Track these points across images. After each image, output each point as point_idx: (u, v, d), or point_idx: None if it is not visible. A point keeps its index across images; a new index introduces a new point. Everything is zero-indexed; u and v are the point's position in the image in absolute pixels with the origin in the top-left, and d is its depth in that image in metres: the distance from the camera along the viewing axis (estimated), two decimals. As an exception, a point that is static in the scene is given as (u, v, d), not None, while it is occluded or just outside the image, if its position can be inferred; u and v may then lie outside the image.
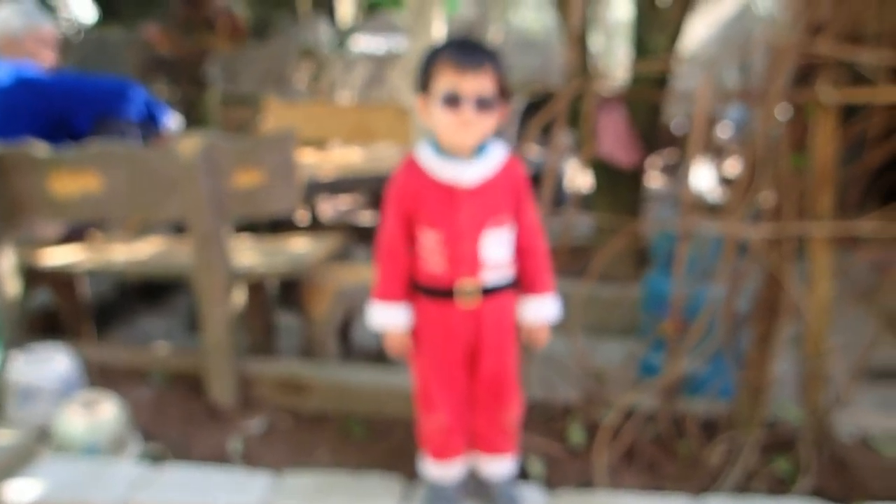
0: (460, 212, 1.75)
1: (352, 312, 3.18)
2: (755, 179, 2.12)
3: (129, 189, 2.59)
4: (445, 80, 1.68)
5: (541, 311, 1.87)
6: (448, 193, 1.75)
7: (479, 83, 1.66)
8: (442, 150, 1.77)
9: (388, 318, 1.84)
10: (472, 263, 1.77)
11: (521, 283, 1.87)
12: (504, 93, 1.74)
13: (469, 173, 1.75)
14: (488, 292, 1.81)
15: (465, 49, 1.70)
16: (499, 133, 1.85)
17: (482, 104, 1.68)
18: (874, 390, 2.86)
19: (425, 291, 1.83)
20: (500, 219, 1.79)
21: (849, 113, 2.21)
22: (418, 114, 1.79)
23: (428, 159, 1.77)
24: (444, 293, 1.80)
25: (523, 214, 1.84)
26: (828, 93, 2.05)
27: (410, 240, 1.81)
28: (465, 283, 1.78)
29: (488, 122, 1.71)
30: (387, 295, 1.83)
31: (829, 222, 2.13)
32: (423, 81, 1.74)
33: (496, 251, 1.79)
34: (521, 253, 1.85)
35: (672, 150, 8.42)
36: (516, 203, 1.82)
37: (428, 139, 1.80)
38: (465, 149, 1.75)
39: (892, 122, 2.20)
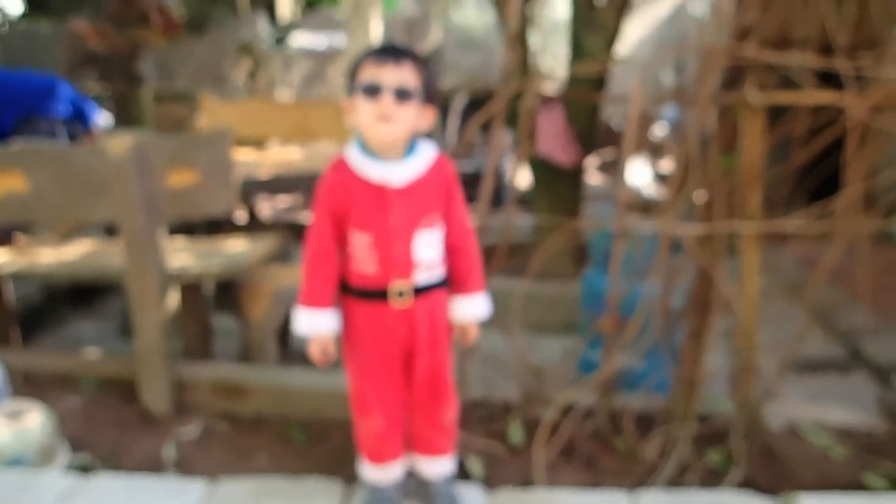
0: (391, 213, 1.74)
1: (291, 314, 3.14)
2: (688, 179, 2.16)
3: (56, 190, 2.50)
4: (366, 73, 1.69)
5: (472, 309, 1.87)
6: (378, 194, 1.74)
7: (398, 74, 1.68)
8: (370, 151, 1.76)
9: (314, 325, 1.81)
10: (404, 264, 1.76)
11: (452, 282, 1.87)
12: (431, 95, 1.75)
13: (398, 173, 1.75)
14: (420, 292, 1.80)
15: (388, 47, 1.74)
16: (430, 135, 1.85)
17: (402, 95, 1.68)
18: (803, 382, 2.95)
19: (357, 293, 1.81)
20: (431, 219, 1.79)
21: (778, 114, 2.27)
22: (346, 116, 1.78)
23: (357, 160, 1.76)
24: (376, 294, 1.78)
25: (453, 213, 1.84)
26: (755, 95, 2.11)
27: (340, 242, 1.79)
28: (398, 285, 1.77)
29: (409, 115, 1.70)
30: (313, 301, 1.81)
31: (758, 221, 2.19)
32: (350, 84, 1.75)
33: (428, 251, 1.79)
34: (452, 252, 1.85)
35: (612, 148, 8.55)
36: (446, 202, 1.82)
37: (357, 140, 1.79)
38: (388, 146, 1.74)
39: (818, 123, 2.27)
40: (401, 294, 1.77)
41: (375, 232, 1.74)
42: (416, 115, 1.73)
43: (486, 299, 1.89)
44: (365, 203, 1.74)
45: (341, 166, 1.77)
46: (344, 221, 1.77)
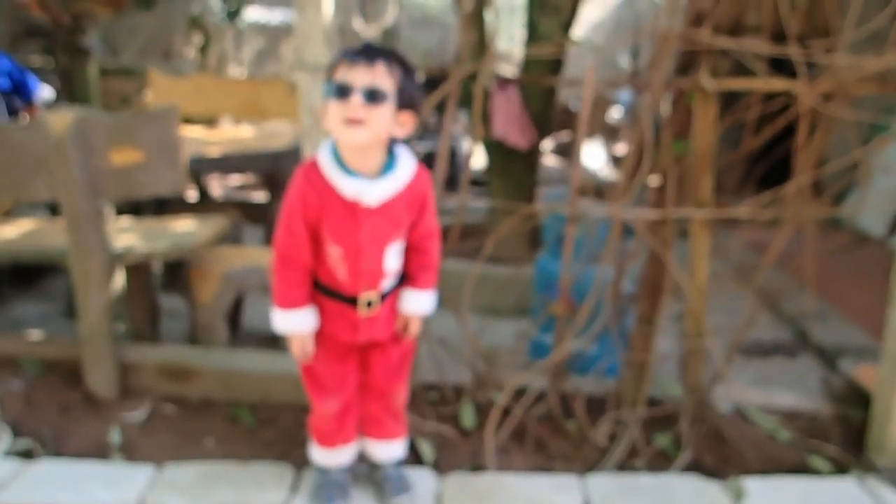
0: (362, 230, 1.69)
1: (241, 296, 3.09)
2: (641, 164, 2.17)
3: (-8, 167, 2.40)
4: (337, 75, 1.60)
5: (418, 304, 1.85)
6: (350, 211, 1.67)
7: (370, 75, 1.58)
8: (344, 163, 1.67)
9: (292, 324, 1.77)
10: (374, 276, 1.75)
11: (406, 275, 1.85)
12: (409, 100, 1.65)
13: (373, 191, 1.66)
14: (385, 296, 1.81)
15: (362, 47, 1.63)
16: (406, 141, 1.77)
17: (372, 96, 1.58)
18: (751, 366, 3.01)
19: (326, 292, 1.79)
20: (400, 233, 1.76)
21: (730, 100, 2.29)
22: (323, 122, 1.66)
23: (330, 171, 1.66)
24: (345, 299, 1.77)
25: (423, 221, 1.79)
26: (709, 81, 2.11)
27: (314, 246, 1.74)
28: (367, 295, 1.76)
29: (380, 119, 1.60)
30: (288, 303, 1.75)
31: (709, 208, 2.20)
32: (325, 87, 1.64)
33: (395, 261, 1.79)
34: (413, 250, 1.82)
35: (569, 131, 8.58)
36: (419, 213, 1.77)
37: (331, 145, 1.70)
38: (360, 152, 1.66)
39: (770, 110, 2.30)
40: (369, 304, 1.77)
41: (346, 246, 1.71)
42: (390, 120, 1.62)
43: (434, 298, 1.87)
44: (337, 217, 1.68)
45: (313, 173, 1.67)
46: (317, 229, 1.71)
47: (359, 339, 1.82)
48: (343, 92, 1.58)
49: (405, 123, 1.67)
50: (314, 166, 1.69)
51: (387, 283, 1.79)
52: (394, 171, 1.69)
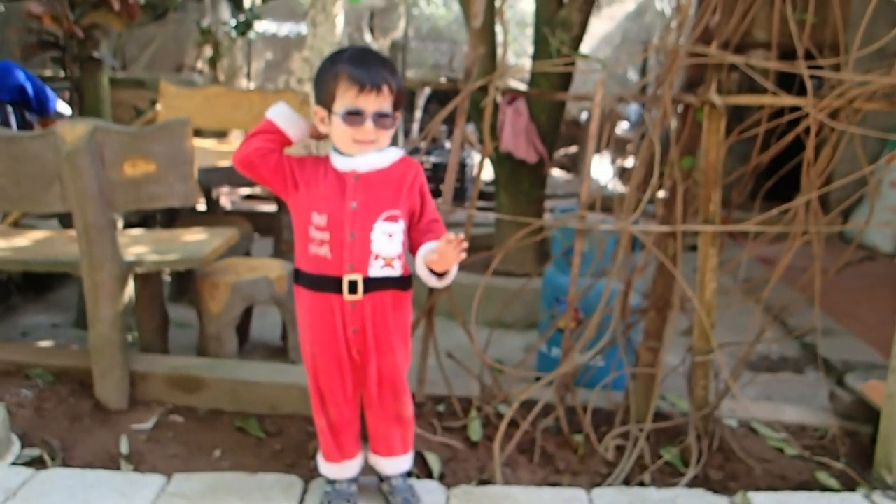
0: (346, 198, 1.76)
1: (249, 306, 3.11)
2: (649, 178, 2.18)
3: (4, 179, 2.41)
4: (348, 99, 1.71)
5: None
6: (339, 179, 1.78)
7: (379, 101, 1.72)
8: (340, 150, 1.81)
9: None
10: (361, 254, 1.76)
11: (425, 242, 1.83)
12: (399, 103, 1.81)
13: (362, 162, 1.78)
14: (374, 286, 1.78)
15: (366, 66, 1.72)
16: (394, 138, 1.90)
17: (381, 119, 1.74)
18: (758, 381, 3.00)
19: (309, 281, 1.80)
20: (392, 213, 1.78)
21: (736, 115, 2.30)
22: (316, 122, 1.81)
23: (330, 151, 1.82)
24: (329, 282, 1.77)
25: (426, 208, 1.86)
26: (716, 97, 2.12)
27: (300, 220, 1.80)
28: (352, 276, 1.76)
29: (387, 136, 1.78)
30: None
31: (717, 223, 2.21)
32: (323, 94, 1.76)
33: (387, 244, 1.79)
34: (426, 231, 1.84)
35: (578, 143, 8.61)
36: (418, 199, 1.84)
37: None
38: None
39: (777, 124, 2.30)
40: (353, 285, 1.76)
41: (331, 213, 1.75)
42: (392, 131, 1.80)
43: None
44: (326, 183, 1.77)
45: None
46: (301, 197, 1.79)
47: (348, 329, 1.79)
48: (356, 116, 1.72)
49: (397, 118, 1.83)
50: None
51: (374, 268, 1.77)
52: (381, 151, 1.81)
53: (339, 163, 1.79)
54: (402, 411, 1.93)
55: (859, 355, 3.17)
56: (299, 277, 1.83)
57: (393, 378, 1.87)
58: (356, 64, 1.72)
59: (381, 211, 1.77)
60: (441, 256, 1.72)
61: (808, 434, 2.43)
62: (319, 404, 1.88)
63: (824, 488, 2.15)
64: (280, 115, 1.82)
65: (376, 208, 1.77)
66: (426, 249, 1.80)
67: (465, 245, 1.71)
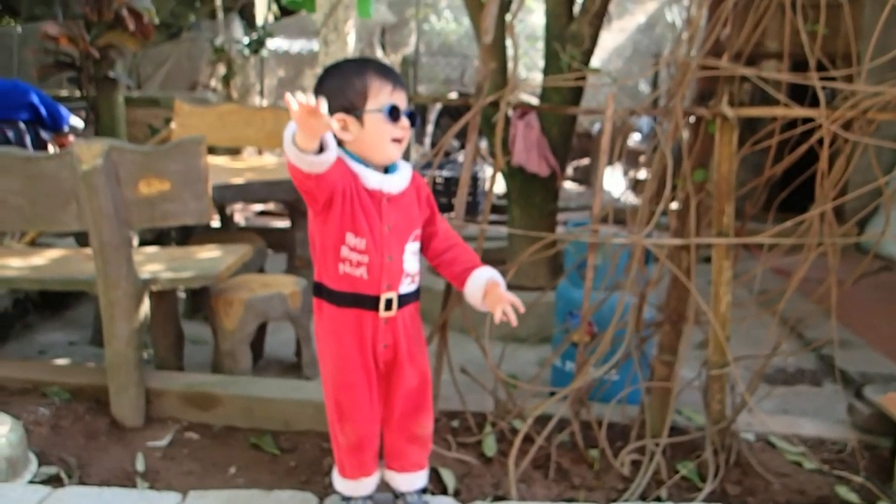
0: (385, 219, 1.76)
1: (264, 323, 3.11)
2: (662, 191, 2.17)
3: (21, 198, 2.43)
4: (384, 96, 1.72)
5: (491, 274, 1.84)
6: (375, 200, 1.75)
7: (405, 97, 1.77)
8: (360, 159, 1.76)
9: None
10: (396, 274, 1.78)
11: (461, 268, 1.86)
12: None
13: (392, 181, 1.78)
14: (402, 301, 1.81)
15: (387, 68, 1.79)
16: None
17: (411, 117, 1.77)
18: (774, 394, 2.98)
19: (342, 300, 1.78)
20: (417, 233, 1.84)
21: (752, 126, 2.29)
22: (338, 133, 1.70)
23: (354, 165, 1.73)
24: (364, 302, 1.77)
25: (438, 220, 1.90)
26: (728, 109, 2.12)
27: (334, 239, 1.73)
28: (388, 295, 1.77)
29: (409, 134, 1.79)
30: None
31: (731, 235, 2.20)
32: (350, 98, 1.71)
33: (413, 262, 1.83)
34: (448, 249, 1.89)
35: (590, 155, 8.60)
36: (430, 214, 1.89)
37: (346, 152, 1.75)
38: (386, 163, 1.79)
39: (790, 135, 2.30)
40: (388, 303, 1.78)
41: (370, 237, 1.74)
42: None
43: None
44: (363, 206, 1.73)
45: (341, 162, 1.69)
46: (340, 218, 1.71)
47: (378, 345, 1.80)
48: (396, 114, 1.72)
49: None
50: (338, 158, 1.68)
51: (404, 285, 1.80)
52: (398, 166, 1.82)
53: (370, 180, 1.74)
54: (421, 430, 1.92)
55: (877, 367, 3.14)
56: (322, 292, 1.81)
57: (422, 388, 1.89)
58: (379, 65, 1.78)
59: (409, 232, 1.81)
60: (492, 306, 1.78)
61: (827, 448, 2.41)
62: (338, 420, 1.86)
63: (844, 503, 2.13)
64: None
65: (406, 230, 1.80)
66: (479, 283, 1.82)
67: (521, 311, 1.76)
